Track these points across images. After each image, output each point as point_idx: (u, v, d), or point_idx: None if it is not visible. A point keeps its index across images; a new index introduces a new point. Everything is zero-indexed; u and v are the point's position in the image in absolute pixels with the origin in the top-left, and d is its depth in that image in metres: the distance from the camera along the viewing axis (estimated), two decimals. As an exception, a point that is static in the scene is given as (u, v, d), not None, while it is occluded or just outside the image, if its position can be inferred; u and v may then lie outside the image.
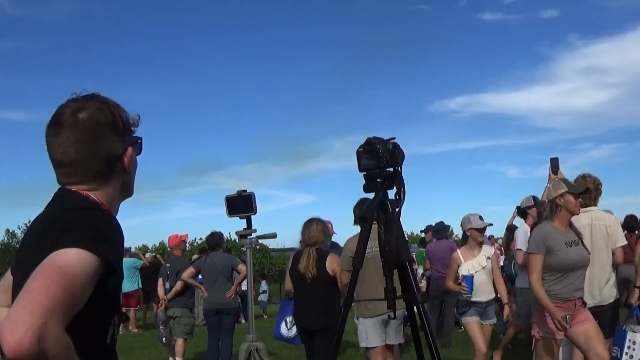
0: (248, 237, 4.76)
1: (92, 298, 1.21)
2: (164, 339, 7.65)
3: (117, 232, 1.35)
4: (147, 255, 17.55)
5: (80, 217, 1.31)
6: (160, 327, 7.73)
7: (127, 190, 1.56)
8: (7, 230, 32.13)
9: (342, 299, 3.84)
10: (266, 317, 16.04)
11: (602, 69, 45.53)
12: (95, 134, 1.40)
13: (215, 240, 7.69)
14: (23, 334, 1.02)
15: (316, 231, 5.40)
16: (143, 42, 44.49)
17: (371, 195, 2.96)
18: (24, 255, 1.36)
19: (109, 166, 1.44)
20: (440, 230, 9.26)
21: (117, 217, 1.54)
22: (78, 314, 1.16)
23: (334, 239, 7.24)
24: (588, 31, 51.25)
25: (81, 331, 1.21)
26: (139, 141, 1.55)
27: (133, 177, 1.55)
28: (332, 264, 5.24)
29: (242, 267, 7.28)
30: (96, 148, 1.41)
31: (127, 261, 13.84)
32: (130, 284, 13.45)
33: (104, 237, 1.27)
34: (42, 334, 1.03)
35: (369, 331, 5.03)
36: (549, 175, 5.88)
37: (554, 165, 5.81)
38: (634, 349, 5.10)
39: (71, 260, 1.17)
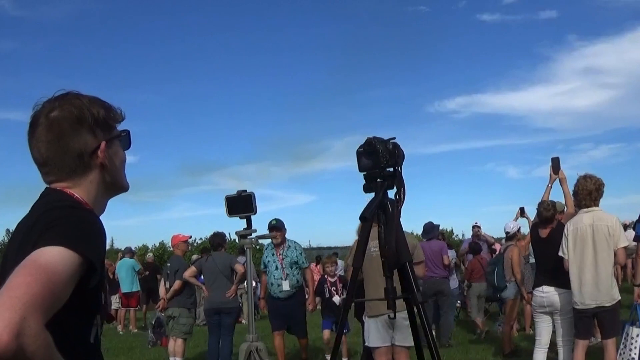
0: (248, 237, 4.76)
1: (73, 297, 1.21)
2: (151, 341, 7.65)
3: (98, 232, 1.35)
4: (149, 255, 17.55)
5: (62, 215, 1.31)
6: (150, 328, 7.74)
7: (114, 186, 1.54)
8: (7, 230, 32.14)
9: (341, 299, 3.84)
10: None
11: (601, 70, 45.43)
12: (63, 131, 1.41)
13: (217, 240, 7.73)
14: (1, 330, 1.02)
15: None
16: (143, 42, 44.46)
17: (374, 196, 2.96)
18: (9, 255, 1.36)
19: (82, 162, 1.44)
20: (429, 230, 9.20)
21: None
22: (59, 313, 1.16)
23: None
24: (587, 32, 51.18)
25: (62, 330, 1.21)
26: (122, 135, 1.54)
27: (118, 172, 1.54)
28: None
29: (239, 267, 7.30)
30: (64, 145, 1.42)
31: (127, 261, 13.84)
32: (129, 285, 13.43)
33: (85, 235, 1.28)
34: (21, 330, 1.04)
35: (372, 331, 5.03)
36: (550, 174, 5.88)
37: (555, 164, 5.81)
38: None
39: (52, 257, 1.18)
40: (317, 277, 9.19)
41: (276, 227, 7.15)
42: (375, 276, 4.59)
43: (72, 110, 1.42)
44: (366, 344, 5.28)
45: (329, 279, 7.76)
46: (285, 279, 7.11)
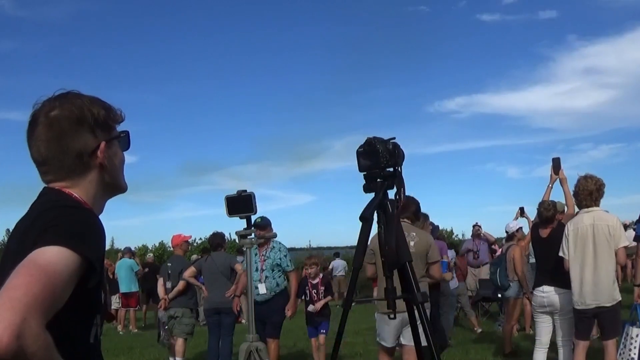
0: (248, 237, 4.76)
1: (73, 297, 1.21)
2: (164, 340, 7.67)
3: (98, 231, 1.34)
4: (149, 255, 17.54)
5: (61, 215, 1.31)
6: (161, 327, 7.74)
7: (113, 186, 1.54)
8: (7, 230, 32.15)
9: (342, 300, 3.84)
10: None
11: (601, 70, 45.45)
12: (63, 130, 1.40)
13: (217, 240, 7.71)
14: (2, 331, 1.02)
15: None
16: (143, 42, 44.47)
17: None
18: (8, 255, 1.36)
19: (81, 162, 1.43)
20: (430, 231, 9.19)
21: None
22: (59, 313, 1.16)
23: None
24: (587, 32, 51.12)
25: (62, 330, 1.21)
26: (122, 136, 1.54)
27: (118, 172, 1.54)
28: None
29: (238, 266, 7.28)
30: (64, 145, 1.41)
31: (126, 261, 13.84)
32: (128, 285, 13.43)
33: (84, 235, 1.27)
34: (21, 331, 1.04)
35: (380, 328, 5.04)
36: (551, 175, 5.89)
37: (556, 165, 5.82)
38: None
39: (52, 258, 1.17)
40: None
41: (260, 225, 6.58)
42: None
43: (72, 110, 1.41)
44: (377, 339, 5.30)
45: (311, 280, 7.45)
46: (263, 282, 6.68)
